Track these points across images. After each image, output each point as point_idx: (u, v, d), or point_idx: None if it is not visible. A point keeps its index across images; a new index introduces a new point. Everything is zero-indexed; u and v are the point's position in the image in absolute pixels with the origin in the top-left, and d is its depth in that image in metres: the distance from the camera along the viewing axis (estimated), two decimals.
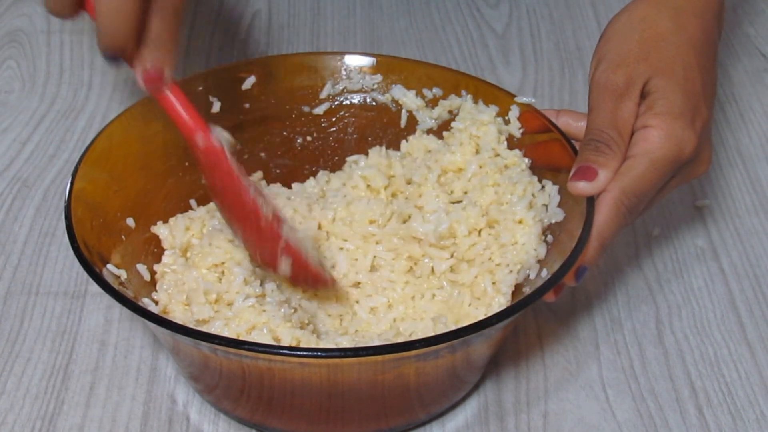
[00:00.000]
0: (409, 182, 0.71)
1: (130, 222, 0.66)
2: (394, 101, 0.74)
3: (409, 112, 0.74)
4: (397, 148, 0.75)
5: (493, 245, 0.65)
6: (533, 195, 0.66)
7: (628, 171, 0.61)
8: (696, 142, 0.63)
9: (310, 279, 0.64)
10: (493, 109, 0.71)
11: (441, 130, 0.73)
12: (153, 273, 0.65)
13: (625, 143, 0.63)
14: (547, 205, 0.65)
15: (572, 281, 0.62)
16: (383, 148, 0.73)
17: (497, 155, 0.69)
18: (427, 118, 0.73)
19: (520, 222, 0.65)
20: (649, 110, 0.63)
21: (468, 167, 0.69)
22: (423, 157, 0.72)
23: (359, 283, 0.66)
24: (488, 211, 0.67)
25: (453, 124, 0.71)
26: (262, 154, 0.75)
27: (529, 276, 0.63)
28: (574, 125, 0.68)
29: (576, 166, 0.62)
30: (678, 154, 0.62)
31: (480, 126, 0.70)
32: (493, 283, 0.64)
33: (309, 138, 0.76)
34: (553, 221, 0.64)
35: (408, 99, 0.74)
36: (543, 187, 0.66)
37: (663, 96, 0.63)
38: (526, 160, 0.68)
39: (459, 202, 0.69)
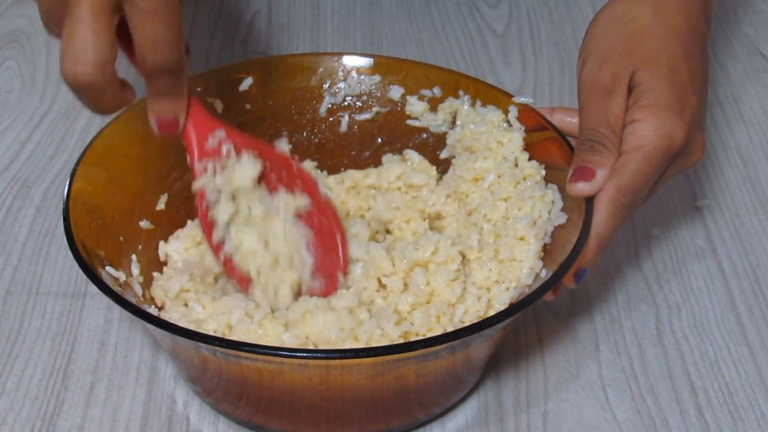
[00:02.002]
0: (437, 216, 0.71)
1: (129, 223, 0.66)
2: (393, 102, 0.74)
3: (415, 119, 0.74)
4: (396, 147, 0.75)
5: (492, 261, 0.65)
6: (540, 214, 0.66)
7: (622, 168, 0.61)
8: (686, 132, 0.63)
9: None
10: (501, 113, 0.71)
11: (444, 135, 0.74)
12: (151, 278, 0.66)
13: (619, 140, 0.63)
14: (549, 212, 0.65)
15: (572, 283, 0.62)
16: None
17: (516, 165, 0.69)
18: (433, 122, 0.74)
19: (521, 239, 0.65)
20: (636, 104, 0.63)
21: (486, 177, 0.69)
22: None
23: (372, 301, 0.66)
24: (495, 226, 0.67)
25: (474, 127, 0.71)
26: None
27: (524, 291, 0.63)
28: (569, 121, 0.68)
29: (573, 168, 0.62)
30: (669, 146, 0.62)
31: (505, 132, 0.69)
32: (488, 300, 0.64)
33: (308, 138, 0.76)
34: (556, 224, 0.64)
35: (413, 106, 0.74)
36: (542, 196, 0.66)
37: (649, 88, 0.63)
38: (543, 171, 0.68)
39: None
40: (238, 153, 0.63)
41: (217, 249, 0.63)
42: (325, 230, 0.66)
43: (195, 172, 0.63)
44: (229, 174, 0.63)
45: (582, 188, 0.61)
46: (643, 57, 0.65)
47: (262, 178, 0.64)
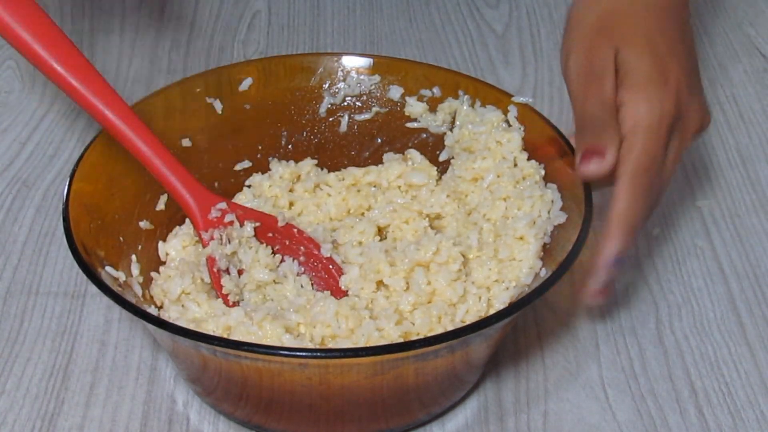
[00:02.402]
0: (437, 216, 0.71)
1: (129, 223, 0.66)
2: (393, 102, 0.74)
3: (414, 120, 0.74)
4: (396, 147, 0.75)
5: (491, 260, 0.65)
6: (539, 214, 0.66)
7: (628, 154, 0.61)
8: (674, 99, 0.63)
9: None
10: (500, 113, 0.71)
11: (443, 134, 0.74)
12: (150, 279, 0.66)
13: (617, 122, 0.63)
14: (549, 211, 0.65)
15: (609, 272, 0.61)
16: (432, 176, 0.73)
17: (515, 165, 0.69)
18: (432, 123, 0.74)
19: (520, 238, 0.65)
20: (622, 86, 0.64)
21: (486, 176, 0.69)
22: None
23: (372, 300, 0.66)
24: (495, 225, 0.67)
25: (472, 128, 0.71)
26: (261, 156, 0.75)
27: (524, 291, 0.63)
28: None
29: (580, 152, 0.62)
30: (662, 116, 0.62)
31: (504, 132, 0.69)
32: (488, 300, 0.64)
33: (308, 138, 0.76)
34: (555, 224, 0.64)
35: (412, 107, 0.74)
36: (542, 196, 0.66)
37: (631, 68, 0.64)
38: (542, 170, 0.68)
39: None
40: (241, 224, 0.67)
41: (226, 298, 0.65)
42: (322, 267, 0.68)
43: (203, 241, 0.66)
44: (245, 261, 0.66)
45: (595, 167, 0.61)
46: (622, 37, 0.65)
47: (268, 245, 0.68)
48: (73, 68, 0.62)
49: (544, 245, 0.64)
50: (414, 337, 0.60)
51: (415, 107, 0.74)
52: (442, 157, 0.74)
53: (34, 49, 0.62)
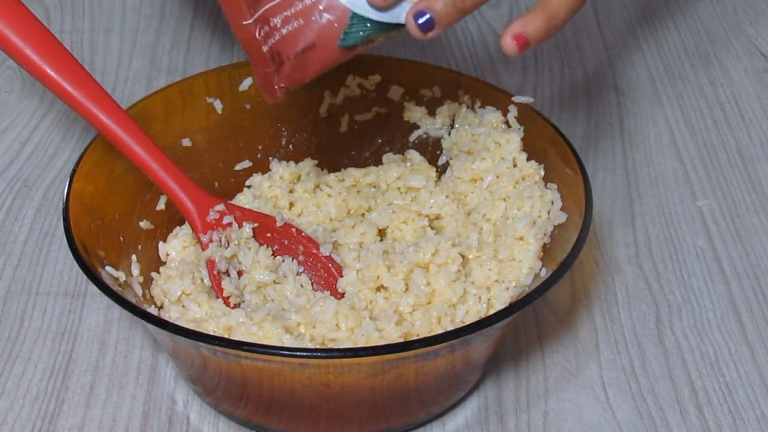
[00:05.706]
0: (437, 217, 0.71)
1: (129, 223, 0.66)
2: (393, 102, 0.74)
3: (414, 123, 0.74)
4: (396, 147, 0.75)
5: (491, 261, 0.65)
6: (539, 214, 0.66)
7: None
8: None
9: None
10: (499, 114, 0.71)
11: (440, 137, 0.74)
12: (150, 279, 0.66)
13: None
14: (549, 211, 0.65)
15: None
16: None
17: (515, 165, 0.69)
18: (432, 126, 0.74)
19: (520, 239, 0.65)
20: None
21: (485, 177, 0.69)
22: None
23: (371, 301, 0.66)
24: (494, 225, 0.67)
25: (470, 129, 0.71)
26: (261, 156, 0.75)
27: (523, 291, 0.63)
28: None
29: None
30: None
31: (503, 133, 0.69)
32: (488, 300, 0.64)
33: (308, 138, 0.76)
34: (555, 224, 0.64)
35: (411, 111, 0.74)
36: (542, 196, 0.66)
37: None
38: (542, 171, 0.68)
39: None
40: (239, 226, 0.67)
41: (227, 300, 0.65)
42: (321, 266, 0.68)
43: (202, 244, 0.65)
44: (245, 263, 0.66)
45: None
46: None
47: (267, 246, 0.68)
48: (66, 73, 0.62)
49: (544, 245, 0.64)
50: (414, 338, 0.61)
51: (414, 112, 0.74)
52: (440, 161, 0.74)
53: (27, 54, 0.61)
